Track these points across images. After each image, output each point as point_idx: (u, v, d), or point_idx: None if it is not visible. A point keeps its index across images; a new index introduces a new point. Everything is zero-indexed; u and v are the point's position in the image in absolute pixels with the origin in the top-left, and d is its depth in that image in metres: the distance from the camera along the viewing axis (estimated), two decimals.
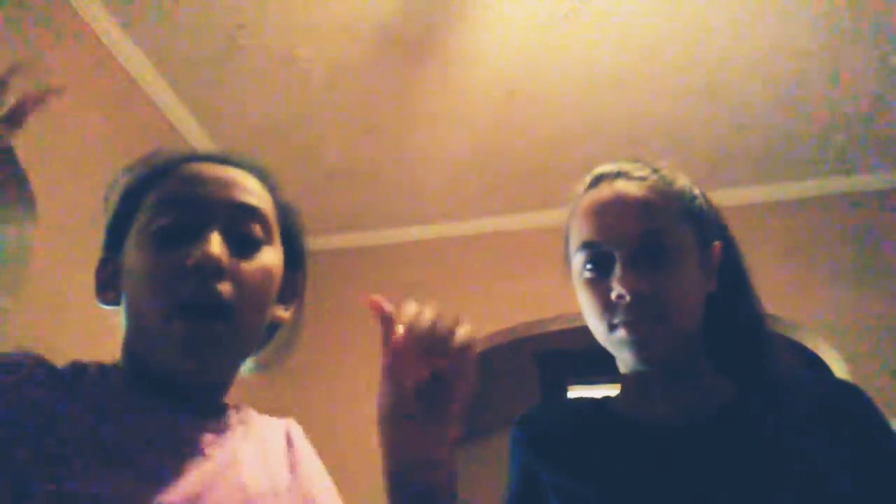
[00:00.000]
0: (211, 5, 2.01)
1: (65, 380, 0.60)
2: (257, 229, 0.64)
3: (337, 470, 0.82)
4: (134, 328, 0.63)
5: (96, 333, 1.83)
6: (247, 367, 0.72)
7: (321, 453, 0.81)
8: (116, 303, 0.68)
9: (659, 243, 0.75)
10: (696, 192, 0.84)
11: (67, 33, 1.93)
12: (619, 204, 0.77)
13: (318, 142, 2.58)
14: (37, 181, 1.78)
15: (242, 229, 0.63)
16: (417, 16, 2.05)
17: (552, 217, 2.89)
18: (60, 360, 0.64)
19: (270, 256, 0.65)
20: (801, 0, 1.97)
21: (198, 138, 2.50)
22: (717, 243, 0.82)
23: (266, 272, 0.63)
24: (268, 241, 0.65)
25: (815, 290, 2.61)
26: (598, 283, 0.77)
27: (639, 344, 0.74)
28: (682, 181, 0.83)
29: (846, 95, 2.31)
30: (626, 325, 0.74)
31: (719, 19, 2.04)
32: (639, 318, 0.73)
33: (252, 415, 0.74)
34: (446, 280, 3.01)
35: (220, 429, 0.66)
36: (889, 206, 2.65)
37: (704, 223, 0.81)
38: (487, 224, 3.05)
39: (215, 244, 0.58)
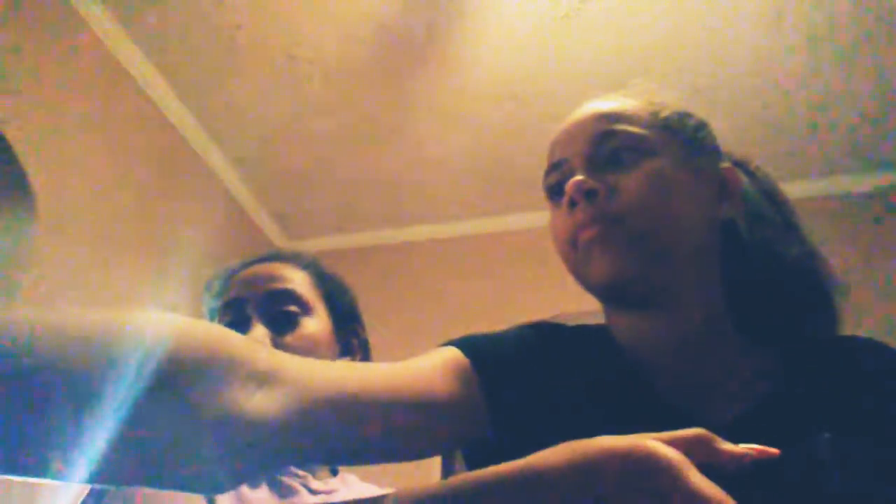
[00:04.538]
0: (211, 5, 2.01)
1: None
2: (293, 307, 0.77)
3: None
4: None
5: None
6: None
7: None
8: None
9: (619, 143, 0.62)
10: (697, 117, 0.70)
11: (67, 33, 1.93)
12: (581, 114, 0.68)
13: (318, 142, 2.58)
14: (37, 181, 1.78)
15: (280, 310, 0.76)
16: (417, 16, 2.05)
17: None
18: None
19: (312, 325, 0.78)
20: (798, 1, 1.97)
21: (198, 138, 2.50)
22: (727, 164, 0.67)
23: (309, 338, 0.76)
24: (305, 312, 0.78)
25: None
26: (560, 204, 0.63)
27: (597, 251, 0.58)
28: (674, 102, 0.69)
29: (846, 95, 2.31)
30: (581, 232, 0.59)
31: (718, 20, 2.04)
32: (592, 218, 0.58)
33: (353, 480, 0.82)
34: (447, 281, 3.01)
35: (324, 490, 0.76)
36: (890, 206, 2.65)
37: (699, 140, 0.67)
38: (488, 225, 3.05)
39: (258, 332, 0.74)
